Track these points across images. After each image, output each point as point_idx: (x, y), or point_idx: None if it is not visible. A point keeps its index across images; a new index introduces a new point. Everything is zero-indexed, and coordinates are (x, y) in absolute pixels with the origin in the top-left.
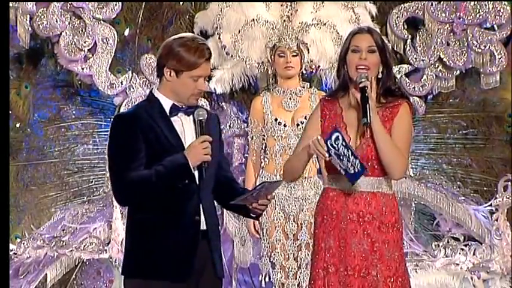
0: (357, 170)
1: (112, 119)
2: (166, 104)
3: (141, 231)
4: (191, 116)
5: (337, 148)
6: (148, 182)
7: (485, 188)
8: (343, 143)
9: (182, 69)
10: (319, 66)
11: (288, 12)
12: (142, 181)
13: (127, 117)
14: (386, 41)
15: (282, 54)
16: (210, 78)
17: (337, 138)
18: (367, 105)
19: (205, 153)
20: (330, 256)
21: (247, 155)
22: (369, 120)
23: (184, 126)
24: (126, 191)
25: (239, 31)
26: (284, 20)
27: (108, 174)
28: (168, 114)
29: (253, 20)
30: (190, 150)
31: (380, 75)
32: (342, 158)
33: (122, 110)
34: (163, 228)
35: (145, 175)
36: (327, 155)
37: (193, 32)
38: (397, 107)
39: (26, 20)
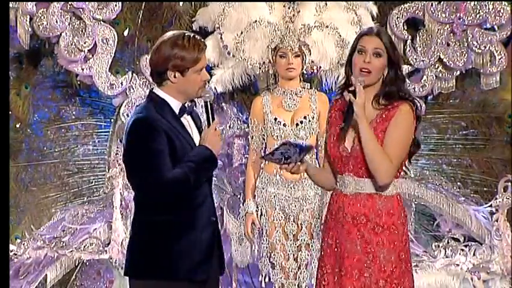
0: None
1: (132, 123)
2: (175, 105)
3: (159, 232)
4: (190, 115)
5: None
6: (186, 181)
7: (485, 189)
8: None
9: (187, 66)
10: (320, 67)
11: (290, 13)
12: (182, 180)
13: (150, 120)
14: (396, 46)
15: (284, 56)
16: (210, 77)
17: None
18: (350, 110)
19: (219, 138)
20: (327, 256)
21: (247, 156)
22: (346, 125)
23: (191, 126)
24: (166, 191)
25: (241, 32)
26: (286, 22)
27: (108, 175)
28: (177, 115)
29: (256, 21)
30: (209, 140)
31: (385, 78)
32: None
33: (121, 111)
34: (182, 229)
35: (182, 173)
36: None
37: (192, 30)
38: (394, 110)
39: (26, 20)
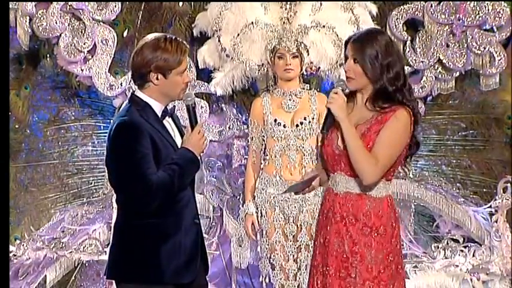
0: None
1: (117, 127)
2: (158, 108)
3: (145, 236)
4: (171, 117)
5: None
6: (171, 183)
7: (484, 190)
8: None
9: (171, 68)
10: (319, 68)
11: (287, 14)
12: (166, 182)
13: (135, 123)
14: (380, 50)
15: (282, 57)
16: (210, 79)
17: None
18: (329, 114)
19: (203, 142)
20: (319, 255)
21: (246, 157)
22: (325, 130)
23: (173, 128)
24: (153, 195)
25: (238, 34)
26: (284, 22)
27: (107, 176)
28: (160, 118)
29: (252, 23)
30: (192, 142)
31: (375, 81)
32: None
33: None
34: (168, 232)
35: (166, 176)
36: None
37: (191, 34)
38: (389, 114)
39: (26, 21)
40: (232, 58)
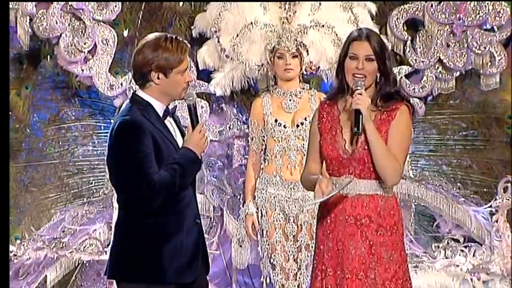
0: None
1: (118, 126)
2: (159, 108)
3: (146, 235)
4: (172, 117)
5: None
6: (173, 183)
7: (485, 190)
8: None
9: (172, 67)
10: (319, 67)
11: (287, 14)
12: (168, 182)
13: (137, 122)
14: (386, 43)
15: (281, 57)
16: (210, 80)
17: None
18: (360, 115)
19: (204, 141)
20: (328, 258)
21: (247, 156)
22: (360, 130)
23: (174, 128)
24: (155, 194)
25: (237, 35)
26: (283, 22)
27: (108, 176)
28: (161, 117)
29: (251, 23)
30: (193, 142)
31: (378, 80)
32: None
33: None
34: (169, 232)
35: (168, 176)
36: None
37: (191, 34)
38: (394, 111)
39: (26, 21)
40: (231, 58)
